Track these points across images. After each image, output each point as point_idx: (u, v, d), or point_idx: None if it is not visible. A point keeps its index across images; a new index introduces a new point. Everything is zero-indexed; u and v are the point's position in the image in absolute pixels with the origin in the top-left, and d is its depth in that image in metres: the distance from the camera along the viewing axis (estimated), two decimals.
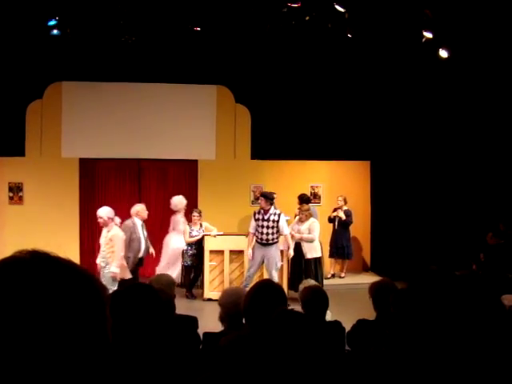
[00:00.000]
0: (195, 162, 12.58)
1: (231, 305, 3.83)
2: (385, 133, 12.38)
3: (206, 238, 10.46)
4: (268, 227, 9.61)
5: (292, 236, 10.02)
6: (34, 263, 0.90)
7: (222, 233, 10.71)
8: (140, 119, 12.25)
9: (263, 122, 12.52)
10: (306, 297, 4.36)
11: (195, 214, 10.71)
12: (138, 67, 11.92)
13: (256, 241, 9.76)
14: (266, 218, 9.65)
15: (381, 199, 12.75)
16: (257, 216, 9.79)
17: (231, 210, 12.22)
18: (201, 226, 10.69)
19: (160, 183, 12.72)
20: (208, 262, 10.38)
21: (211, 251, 10.43)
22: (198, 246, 10.59)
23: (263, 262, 9.79)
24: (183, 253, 10.67)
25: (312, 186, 12.80)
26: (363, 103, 12.40)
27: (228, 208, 12.17)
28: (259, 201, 10.04)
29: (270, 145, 12.55)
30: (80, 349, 0.87)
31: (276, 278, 9.36)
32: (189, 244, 10.57)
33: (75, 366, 0.87)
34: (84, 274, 0.93)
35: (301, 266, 10.28)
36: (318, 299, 4.30)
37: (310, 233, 10.23)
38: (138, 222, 9.61)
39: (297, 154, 12.51)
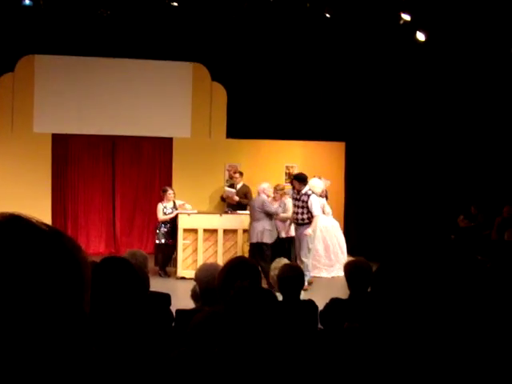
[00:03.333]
0: (170, 139, 12.48)
1: (208, 279, 3.80)
2: (360, 114, 12.40)
3: (179, 216, 10.42)
4: (299, 207, 9.70)
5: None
6: (5, 223, 0.87)
7: (195, 211, 10.68)
8: (115, 95, 12.08)
9: (239, 101, 12.45)
10: (283, 274, 4.37)
11: (170, 191, 10.65)
12: (113, 42, 11.71)
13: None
14: (297, 197, 9.79)
15: (355, 180, 12.81)
16: (293, 196, 9.98)
17: (206, 188, 12.18)
18: (174, 203, 10.64)
19: (134, 160, 12.60)
20: (182, 241, 10.35)
21: (185, 229, 10.39)
22: (171, 224, 10.54)
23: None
24: (156, 231, 10.63)
25: (287, 166, 12.81)
26: (339, 84, 12.39)
27: (202, 186, 12.14)
28: (293, 183, 10.11)
29: (246, 124, 12.50)
30: (51, 311, 0.84)
31: (306, 261, 9.50)
32: (162, 222, 10.52)
33: (45, 332, 0.84)
34: (57, 233, 0.90)
35: (274, 244, 10.31)
36: (294, 277, 4.31)
37: (284, 212, 10.27)
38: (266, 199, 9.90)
39: (272, 133, 12.49)
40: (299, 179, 9.80)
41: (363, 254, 9.55)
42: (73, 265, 0.88)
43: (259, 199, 9.80)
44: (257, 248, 9.70)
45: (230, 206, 11.54)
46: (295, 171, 12.69)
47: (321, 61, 12.23)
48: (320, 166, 12.66)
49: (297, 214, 9.73)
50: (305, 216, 9.65)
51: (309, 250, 9.70)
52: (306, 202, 9.59)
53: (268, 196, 9.95)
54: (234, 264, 3.33)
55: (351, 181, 12.98)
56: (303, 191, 9.69)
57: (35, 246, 0.85)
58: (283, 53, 12.05)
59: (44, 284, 0.84)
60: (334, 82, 12.41)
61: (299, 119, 12.55)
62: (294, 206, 9.82)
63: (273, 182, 11.30)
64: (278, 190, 10.52)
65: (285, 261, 5.36)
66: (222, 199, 12.03)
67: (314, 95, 12.53)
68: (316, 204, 9.63)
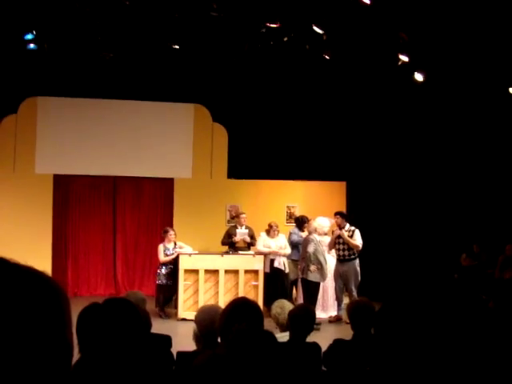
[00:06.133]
0: (171, 180, 12.51)
1: (207, 322, 3.75)
2: (361, 154, 12.46)
3: (180, 256, 10.36)
4: (341, 243, 9.95)
5: (276, 252, 10.28)
6: None
7: (196, 252, 10.63)
8: (116, 136, 12.16)
9: (240, 142, 12.53)
10: (294, 311, 4.35)
11: (171, 232, 10.61)
12: (116, 84, 11.86)
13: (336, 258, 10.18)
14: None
15: (356, 220, 12.76)
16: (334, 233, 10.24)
17: (207, 229, 12.13)
18: (175, 244, 10.59)
19: (135, 201, 12.59)
20: (182, 282, 10.27)
21: (186, 270, 10.32)
22: (172, 264, 10.47)
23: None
24: (157, 272, 10.56)
25: (288, 206, 12.80)
26: (340, 124, 12.49)
27: (204, 227, 12.09)
28: (335, 219, 10.32)
29: (247, 164, 12.55)
30: (31, 354, 0.85)
31: (355, 296, 9.55)
32: (163, 263, 10.46)
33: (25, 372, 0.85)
34: (42, 277, 0.92)
35: (277, 282, 10.27)
36: (304, 317, 4.27)
37: (285, 248, 10.34)
38: (317, 238, 9.98)
39: (273, 173, 12.52)
40: (344, 216, 10.23)
41: (366, 294, 9.47)
42: (53, 298, 0.94)
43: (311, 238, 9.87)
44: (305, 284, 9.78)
45: (237, 248, 11.19)
46: (296, 211, 12.69)
47: (321, 102, 12.35)
48: (321, 205, 12.64)
49: (339, 250, 9.97)
50: (349, 252, 9.93)
51: (357, 283, 9.85)
52: (351, 237, 9.89)
53: (319, 234, 10.09)
54: (236, 305, 3.29)
55: (352, 220, 12.93)
56: (346, 228, 10.02)
57: (18, 283, 0.89)
58: (283, 94, 12.18)
59: (27, 316, 0.88)
60: (334, 123, 12.50)
61: (300, 159, 12.60)
62: (337, 243, 10.03)
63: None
64: (276, 228, 10.60)
65: (286, 302, 5.31)
66: (227, 243, 11.14)
67: (314, 135, 12.62)
68: (360, 236, 9.97)
